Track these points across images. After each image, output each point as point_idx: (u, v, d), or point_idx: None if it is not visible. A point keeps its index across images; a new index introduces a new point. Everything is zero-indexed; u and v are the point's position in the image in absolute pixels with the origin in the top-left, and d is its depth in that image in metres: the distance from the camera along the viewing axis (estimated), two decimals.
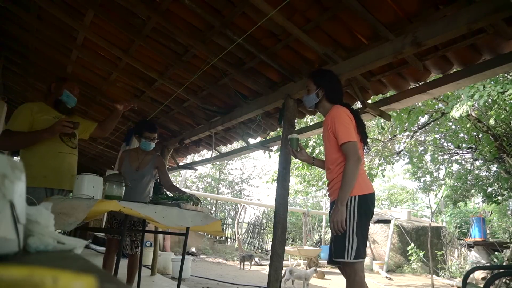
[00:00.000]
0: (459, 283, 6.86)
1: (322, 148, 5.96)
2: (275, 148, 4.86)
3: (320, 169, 8.59)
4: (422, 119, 8.09)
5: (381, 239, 10.73)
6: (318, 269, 8.13)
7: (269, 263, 2.72)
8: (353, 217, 1.95)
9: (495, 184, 9.18)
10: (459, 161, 10.05)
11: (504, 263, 6.50)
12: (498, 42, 2.03)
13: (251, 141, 4.27)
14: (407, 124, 6.73)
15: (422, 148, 8.89)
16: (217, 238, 12.12)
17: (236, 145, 7.73)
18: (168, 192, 3.10)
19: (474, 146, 8.49)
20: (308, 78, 2.29)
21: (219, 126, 3.91)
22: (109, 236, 2.89)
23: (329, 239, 2.23)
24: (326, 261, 10.03)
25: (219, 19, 2.51)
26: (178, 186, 3.32)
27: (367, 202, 2.00)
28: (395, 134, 8.15)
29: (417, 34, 1.94)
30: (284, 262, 5.21)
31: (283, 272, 4.28)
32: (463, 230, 11.89)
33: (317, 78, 2.24)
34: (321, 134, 2.31)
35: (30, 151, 2.29)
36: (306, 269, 8.24)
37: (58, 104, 2.44)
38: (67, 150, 2.47)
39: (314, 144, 7.37)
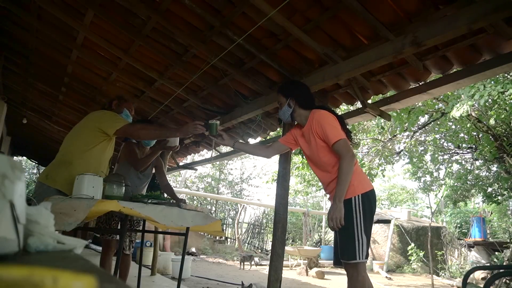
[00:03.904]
0: (459, 283, 6.86)
1: None
2: None
3: None
4: (422, 119, 8.08)
5: (381, 239, 10.73)
6: (318, 269, 8.13)
7: (269, 263, 2.72)
8: (359, 216, 1.96)
9: (495, 184, 9.17)
10: (459, 161, 10.05)
11: (504, 263, 6.50)
12: (498, 42, 2.03)
13: (251, 141, 4.27)
14: (407, 124, 6.72)
15: (422, 148, 8.89)
16: (217, 238, 12.12)
17: None
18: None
19: (474, 146, 8.49)
20: (277, 94, 2.34)
21: (219, 126, 3.90)
22: (107, 237, 2.87)
23: (333, 240, 2.23)
24: (326, 261, 10.04)
25: (219, 19, 2.51)
26: (178, 186, 3.34)
27: (369, 199, 2.02)
28: (395, 134, 8.15)
29: (417, 34, 1.94)
30: (284, 262, 5.20)
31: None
32: (463, 230, 11.89)
33: (284, 90, 2.30)
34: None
35: (80, 162, 2.28)
36: (307, 269, 8.24)
37: None
38: (106, 172, 2.49)
39: None
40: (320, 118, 2.08)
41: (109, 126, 2.31)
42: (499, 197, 9.04)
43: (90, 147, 2.33)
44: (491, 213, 13.13)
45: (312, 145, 2.15)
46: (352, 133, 2.22)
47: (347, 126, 2.21)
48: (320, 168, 2.17)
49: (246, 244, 13.44)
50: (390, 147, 8.44)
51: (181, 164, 6.27)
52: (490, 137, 7.27)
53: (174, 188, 3.32)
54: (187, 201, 3.06)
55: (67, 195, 2.12)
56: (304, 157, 2.39)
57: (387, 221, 10.88)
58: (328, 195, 2.19)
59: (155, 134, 2.55)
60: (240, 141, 3.04)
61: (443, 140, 9.09)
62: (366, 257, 1.95)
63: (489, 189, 9.42)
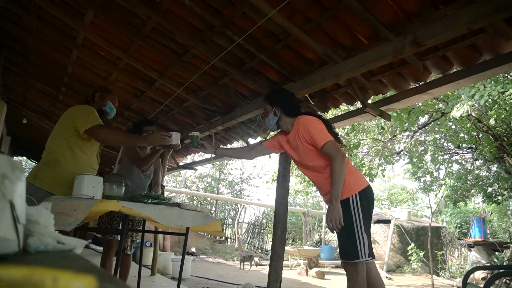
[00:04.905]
0: (459, 283, 6.86)
1: None
2: None
3: None
4: (422, 119, 8.08)
5: (381, 239, 10.73)
6: (318, 269, 8.12)
7: (269, 263, 2.72)
8: (358, 215, 1.97)
9: (495, 184, 9.17)
10: (459, 161, 10.04)
11: (504, 263, 6.50)
12: (498, 42, 2.03)
13: (251, 141, 4.27)
14: (407, 124, 6.72)
15: (422, 148, 8.88)
16: (217, 238, 12.12)
17: (236, 145, 7.72)
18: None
19: (474, 146, 8.49)
20: (263, 102, 2.38)
21: (219, 126, 3.90)
22: (108, 237, 2.87)
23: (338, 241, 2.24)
24: (326, 261, 10.03)
25: (219, 19, 2.51)
26: (178, 186, 3.35)
27: (366, 195, 2.04)
28: (395, 134, 8.14)
29: (417, 34, 1.94)
30: (284, 262, 5.20)
31: None
32: (463, 230, 11.90)
33: (270, 99, 2.33)
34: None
35: (66, 161, 2.23)
36: (307, 269, 8.24)
37: (101, 113, 2.42)
38: (96, 167, 2.46)
39: None
40: (306, 123, 2.11)
41: (80, 125, 2.22)
42: (499, 197, 9.04)
43: (74, 144, 2.26)
44: (491, 213, 13.14)
45: (300, 151, 2.17)
46: (339, 135, 2.26)
47: (334, 129, 2.25)
48: (311, 170, 2.19)
49: (246, 244, 13.44)
50: (390, 147, 8.43)
51: (181, 164, 6.27)
52: (490, 137, 7.27)
53: (174, 188, 3.33)
54: (186, 201, 3.06)
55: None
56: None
57: (387, 221, 10.88)
58: (325, 197, 2.20)
59: (122, 140, 2.53)
60: (221, 146, 3.12)
61: (443, 140, 9.09)
62: (369, 256, 1.96)
63: (489, 189, 9.42)
